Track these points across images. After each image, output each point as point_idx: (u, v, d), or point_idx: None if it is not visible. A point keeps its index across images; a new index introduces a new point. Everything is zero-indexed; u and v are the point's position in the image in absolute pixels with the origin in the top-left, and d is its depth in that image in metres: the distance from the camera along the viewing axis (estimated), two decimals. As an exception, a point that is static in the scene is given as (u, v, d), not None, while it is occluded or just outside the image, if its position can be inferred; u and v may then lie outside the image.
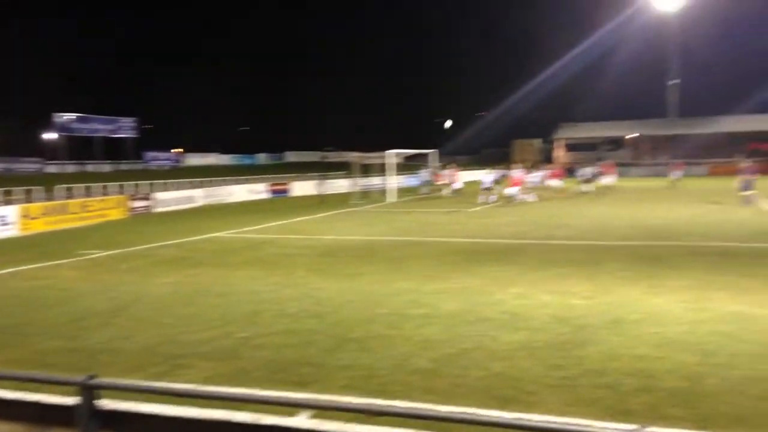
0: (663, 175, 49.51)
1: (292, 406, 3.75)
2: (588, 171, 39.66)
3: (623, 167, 66.85)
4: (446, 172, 41.31)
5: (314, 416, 3.98)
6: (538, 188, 37.94)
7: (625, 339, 8.56)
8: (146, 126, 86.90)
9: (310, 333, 9.36)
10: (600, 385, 6.97)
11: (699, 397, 6.54)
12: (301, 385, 7.17)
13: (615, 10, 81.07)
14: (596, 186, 37.61)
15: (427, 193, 40.66)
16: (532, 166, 44.49)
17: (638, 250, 16.29)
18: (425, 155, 45.88)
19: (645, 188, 43.02)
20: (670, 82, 72.33)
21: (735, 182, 29.92)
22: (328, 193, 42.97)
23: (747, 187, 27.19)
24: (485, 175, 34.75)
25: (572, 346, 8.35)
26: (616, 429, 5.44)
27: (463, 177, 36.66)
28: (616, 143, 76.09)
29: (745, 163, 29.37)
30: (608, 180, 39.45)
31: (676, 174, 43.41)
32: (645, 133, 72.99)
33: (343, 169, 51.61)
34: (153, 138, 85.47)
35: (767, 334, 8.55)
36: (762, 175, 32.22)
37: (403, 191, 42.09)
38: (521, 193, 32.81)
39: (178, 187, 41.12)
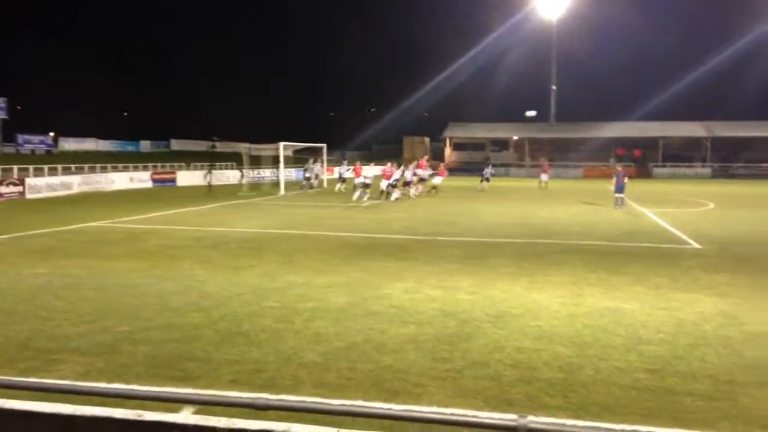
0: (533, 176, 52.03)
1: (175, 402, 3.59)
2: (488, 171, 41.42)
3: (507, 168, 69.64)
4: (343, 168, 41.11)
5: (199, 412, 3.84)
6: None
7: (508, 332, 8.90)
8: (17, 107, 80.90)
9: (195, 327, 9.07)
10: (483, 376, 7.20)
11: (574, 387, 6.89)
12: (185, 381, 6.93)
13: (504, 16, 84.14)
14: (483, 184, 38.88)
15: (316, 187, 40.38)
16: (406, 164, 44.77)
17: (522, 247, 16.99)
18: (316, 149, 45.69)
19: (526, 188, 45.01)
20: (553, 87, 75.96)
21: (610, 185, 31.85)
22: (216, 183, 41.85)
23: (620, 189, 29.02)
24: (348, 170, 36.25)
25: (458, 339, 8.57)
26: (496, 419, 5.64)
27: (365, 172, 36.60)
28: (502, 144, 79.04)
29: (619, 167, 31.39)
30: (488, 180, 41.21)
31: (543, 177, 45.77)
32: (527, 136, 76.29)
33: (232, 159, 50.47)
34: (25, 120, 79.78)
35: (635, 328, 9.15)
36: (630, 179, 34.42)
37: (294, 184, 41.71)
38: (393, 191, 32.95)
39: (53, 173, 38.67)
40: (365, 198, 31.94)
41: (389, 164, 34.08)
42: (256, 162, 44.87)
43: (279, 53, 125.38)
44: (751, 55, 77.70)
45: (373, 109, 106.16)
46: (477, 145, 78.63)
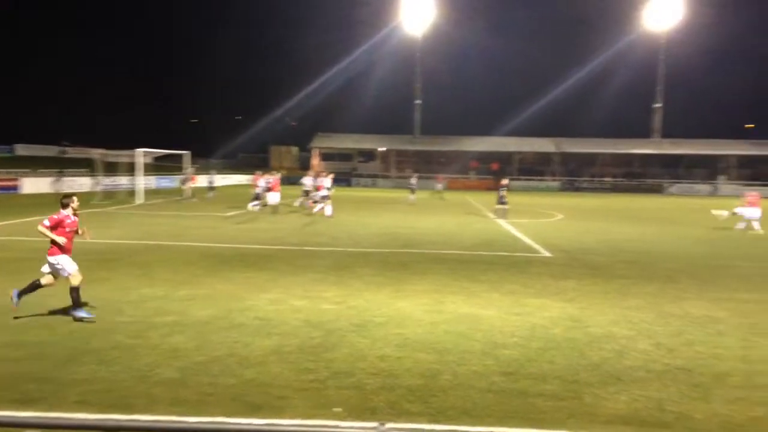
0: (405, 187, 53.38)
1: (15, 426, 3.29)
2: (413, 182, 41.83)
3: (374, 178, 70.73)
4: (213, 176, 39.35)
5: (39, 438, 3.55)
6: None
7: (371, 341, 8.99)
8: None
9: (39, 345, 8.40)
10: (347, 386, 7.22)
11: (434, 393, 7.08)
12: (26, 403, 6.39)
13: (371, 31, 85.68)
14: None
15: (188, 197, 38.59)
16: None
17: (386, 256, 17.28)
18: (179, 156, 44.07)
19: (392, 199, 45.95)
20: (418, 102, 78.21)
21: (481, 197, 33.21)
22: (66, 191, 39.20)
23: (502, 201, 30.45)
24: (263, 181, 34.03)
25: (322, 349, 8.55)
26: (357, 427, 5.67)
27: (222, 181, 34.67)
28: (369, 155, 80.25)
29: (505, 180, 32.93)
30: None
31: (438, 186, 47.48)
32: (393, 148, 78.02)
33: (85, 166, 47.53)
34: None
35: (492, 333, 9.56)
36: (488, 191, 36.06)
37: (154, 193, 39.90)
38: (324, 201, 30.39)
39: None
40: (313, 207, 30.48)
41: (274, 175, 33.01)
42: (111, 169, 42.54)
43: (140, 56, 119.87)
44: (598, 78, 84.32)
45: (239, 117, 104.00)
46: (344, 156, 79.31)
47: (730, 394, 7.19)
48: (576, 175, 72.89)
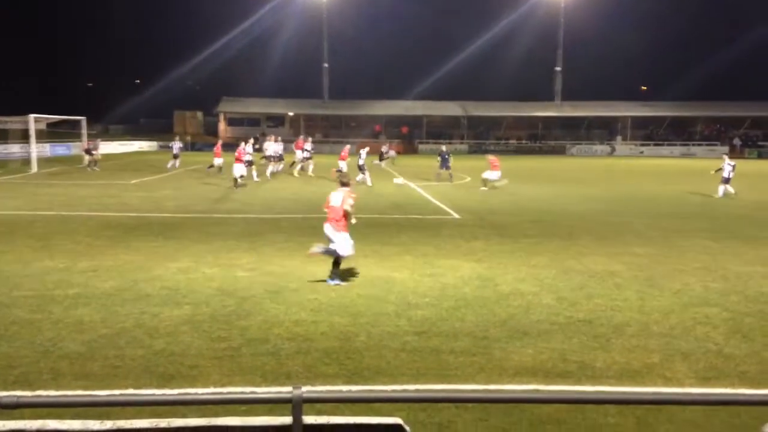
0: (319, 152, 52.99)
1: None
2: (384, 149, 40.73)
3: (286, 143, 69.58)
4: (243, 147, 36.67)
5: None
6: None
7: (286, 306, 8.96)
8: None
9: (-73, 325, 7.86)
10: (262, 352, 7.18)
11: (349, 354, 7.16)
12: None
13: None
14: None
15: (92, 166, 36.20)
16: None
17: (299, 222, 17.16)
18: (76, 122, 41.80)
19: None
20: (325, 65, 77.25)
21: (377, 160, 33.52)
22: (-49, 160, 36.54)
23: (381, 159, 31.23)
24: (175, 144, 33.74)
25: (236, 317, 8.45)
26: (273, 393, 5.67)
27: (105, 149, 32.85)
28: (278, 120, 78.90)
29: (386, 143, 33.40)
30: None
31: (390, 154, 47.23)
32: (302, 112, 77.01)
33: (-28, 133, 44.35)
34: None
35: (405, 294, 9.73)
36: (398, 155, 36.37)
37: (49, 161, 37.81)
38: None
39: None
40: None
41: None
42: (2, 136, 39.92)
43: (27, 14, 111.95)
44: (502, 42, 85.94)
45: (138, 81, 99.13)
46: (252, 121, 77.61)
47: (628, 343, 7.65)
48: (483, 138, 74.49)
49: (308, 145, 33.30)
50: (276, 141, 33.40)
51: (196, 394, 5.73)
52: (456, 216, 18.77)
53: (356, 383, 6.36)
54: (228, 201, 21.71)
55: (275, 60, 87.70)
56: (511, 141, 73.50)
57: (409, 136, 74.80)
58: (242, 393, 5.89)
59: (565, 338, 7.79)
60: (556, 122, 76.48)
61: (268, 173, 30.97)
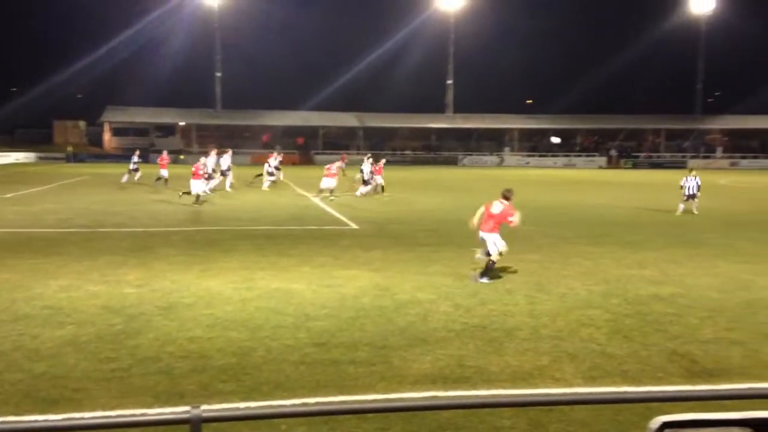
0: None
1: None
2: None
3: (175, 155, 67.52)
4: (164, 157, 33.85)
5: None
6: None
7: (180, 323, 8.64)
8: None
9: None
10: (154, 371, 6.88)
11: (247, 370, 6.99)
12: None
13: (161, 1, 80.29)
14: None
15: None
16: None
17: (192, 235, 16.65)
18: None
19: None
20: (218, 74, 75.61)
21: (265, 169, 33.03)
22: None
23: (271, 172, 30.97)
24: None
25: (125, 336, 8.06)
26: (168, 413, 5.44)
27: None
28: (168, 130, 76.43)
29: (276, 153, 33.35)
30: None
31: (341, 164, 46.39)
32: (194, 122, 75.01)
33: None
34: None
35: (304, 306, 9.63)
36: (294, 165, 36.10)
37: None
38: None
39: None
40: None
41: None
42: None
43: None
44: (396, 55, 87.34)
45: (14, 89, 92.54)
46: (140, 131, 74.75)
47: (520, 347, 7.93)
48: (379, 148, 75.38)
49: (272, 160, 32.62)
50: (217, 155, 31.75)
51: (82, 418, 5.41)
52: (354, 226, 18.84)
53: (255, 399, 6.22)
54: (115, 215, 20.74)
55: (164, 68, 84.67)
56: (406, 152, 74.79)
57: (306, 146, 74.54)
58: (133, 416, 5.61)
59: (461, 344, 7.97)
60: (449, 133, 78.62)
61: (227, 187, 29.97)
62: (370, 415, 5.58)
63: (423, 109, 79.01)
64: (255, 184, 32.68)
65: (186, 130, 75.63)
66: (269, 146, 69.45)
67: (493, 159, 72.19)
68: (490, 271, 11.48)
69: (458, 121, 77.82)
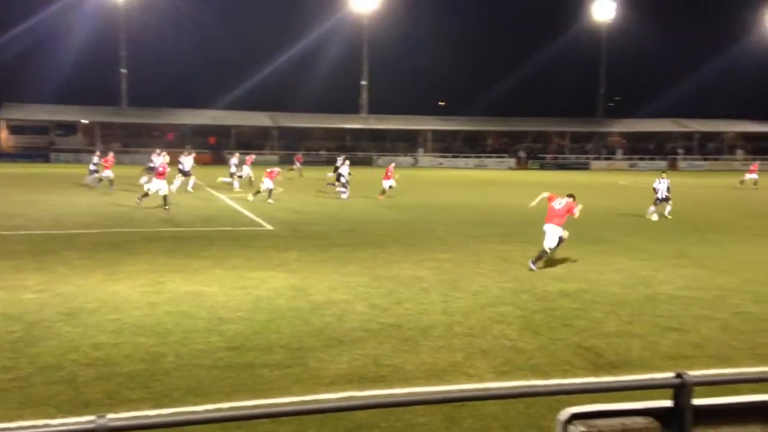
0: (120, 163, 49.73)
1: None
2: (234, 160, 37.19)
3: (77, 153, 64.59)
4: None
5: None
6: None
7: (83, 329, 8.26)
8: None
9: None
10: (56, 380, 6.55)
11: (156, 377, 6.76)
12: None
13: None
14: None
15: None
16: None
17: (97, 237, 15.94)
18: None
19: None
20: (123, 71, 72.96)
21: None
22: None
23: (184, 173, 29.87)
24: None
25: (24, 344, 7.63)
26: (72, 424, 5.19)
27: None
28: (70, 128, 72.99)
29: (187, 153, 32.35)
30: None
31: (296, 165, 45.23)
32: (98, 120, 71.95)
33: None
34: None
35: (216, 309, 9.41)
36: (205, 166, 35.27)
37: None
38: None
39: None
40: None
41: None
42: None
43: None
44: (310, 55, 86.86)
45: None
46: (39, 129, 70.95)
47: (435, 344, 8.05)
48: (293, 149, 74.75)
49: (184, 160, 31.60)
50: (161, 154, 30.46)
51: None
52: (269, 227, 18.59)
53: (165, 406, 6.02)
54: (13, 217, 19.59)
55: (66, 63, 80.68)
56: (321, 152, 74.51)
57: (218, 146, 72.94)
58: (35, 427, 5.32)
59: (377, 344, 8.01)
60: (364, 134, 78.89)
61: (189, 187, 29.03)
62: (285, 418, 5.50)
63: (338, 109, 78.94)
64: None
65: (89, 128, 72.35)
66: (174, 145, 67.66)
67: (408, 159, 72.97)
68: (540, 259, 12.77)
69: (372, 122, 78.21)
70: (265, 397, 6.32)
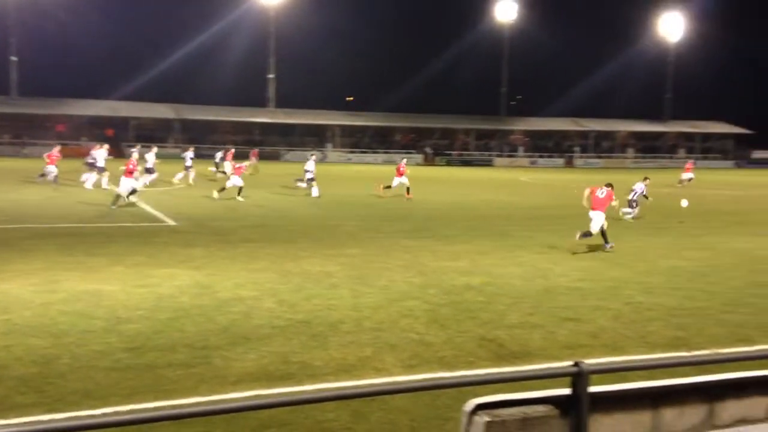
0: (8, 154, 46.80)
1: None
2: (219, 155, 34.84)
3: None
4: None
5: None
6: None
7: (-32, 332, 7.72)
8: None
9: None
10: (-63, 389, 6.09)
11: (50, 380, 6.42)
12: None
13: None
14: None
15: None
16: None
17: (-19, 234, 14.95)
18: None
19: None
20: (12, 58, 68.75)
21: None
22: None
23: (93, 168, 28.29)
24: None
25: None
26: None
27: None
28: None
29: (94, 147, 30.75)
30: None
31: (253, 161, 42.82)
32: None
33: None
34: None
35: (115, 308, 9.03)
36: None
37: None
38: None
39: None
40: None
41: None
42: None
43: None
44: (215, 47, 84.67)
45: None
46: None
47: (344, 339, 8.05)
48: (198, 142, 72.76)
49: (189, 153, 32.10)
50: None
51: None
52: (172, 223, 18.01)
53: (60, 411, 5.72)
54: None
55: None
56: (228, 146, 72.93)
57: (116, 138, 69.94)
58: None
59: (285, 340, 7.93)
60: (272, 128, 77.82)
61: (147, 182, 27.63)
62: (190, 419, 5.35)
63: (245, 103, 77.50)
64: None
65: (-25, 117, 67.68)
66: (67, 138, 64.48)
67: (317, 154, 72.73)
68: (585, 237, 14.63)
69: (280, 116, 77.27)
70: (168, 398, 6.12)
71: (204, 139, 72.54)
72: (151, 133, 72.81)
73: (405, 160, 29.69)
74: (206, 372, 6.83)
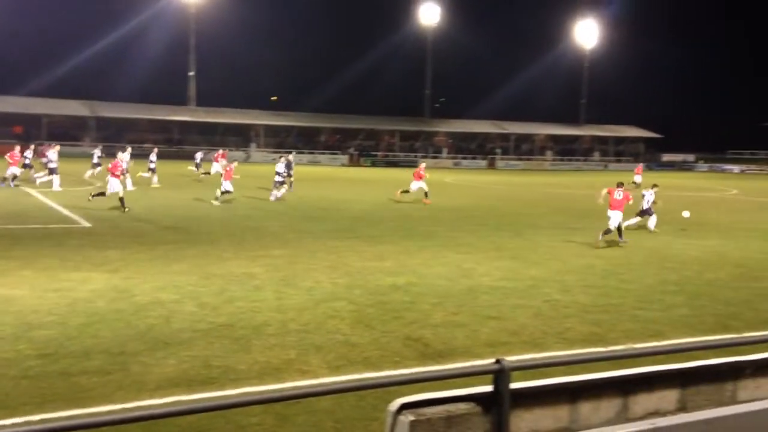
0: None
1: None
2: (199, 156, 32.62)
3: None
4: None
5: None
6: None
7: None
8: None
9: None
10: None
11: (-47, 392, 6.05)
12: None
13: None
14: None
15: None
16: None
17: None
18: None
19: None
20: None
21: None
22: None
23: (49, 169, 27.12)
24: None
25: None
26: None
27: None
28: None
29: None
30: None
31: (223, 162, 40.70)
32: None
33: None
34: None
35: (25, 314, 8.60)
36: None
37: None
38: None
39: None
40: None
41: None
42: None
43: None
44: (132, 43, 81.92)
45: None
46: None
47: (268, 342, 7.94)
48: (114, 140, 70.25)
49: (153, 156, 32.43)
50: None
51: None
52: (86, 224, 17.30)
53: (-36, 425, 5.39)
54: None
55: None
56: (145, 144, 70.74)
57: (26, 136, 66.65)
58: None
59: (207, 344, 7.75)
60: (192, 127, 76.01)
61: (56, 186, 25.96)
62: (105, 428, 5.14)
63: (164, 101, 75.36)
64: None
65: None
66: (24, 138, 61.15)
67: (240, 154, 71.46)
68: (606, 234, 16.27)
69: (201, 115, 75.58)
70: (82, 406, 5.88)
71: (120, 137, 70.12)
72: (64, 131, 69.87)
73: (424, 164, 29.16)
74: (123, 378, 6.59)
